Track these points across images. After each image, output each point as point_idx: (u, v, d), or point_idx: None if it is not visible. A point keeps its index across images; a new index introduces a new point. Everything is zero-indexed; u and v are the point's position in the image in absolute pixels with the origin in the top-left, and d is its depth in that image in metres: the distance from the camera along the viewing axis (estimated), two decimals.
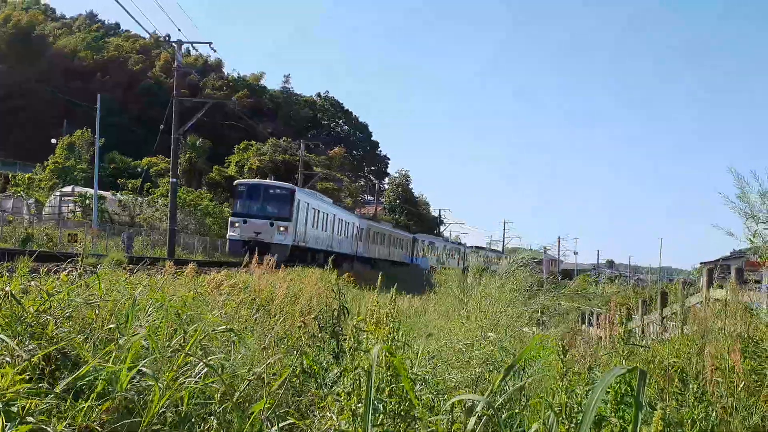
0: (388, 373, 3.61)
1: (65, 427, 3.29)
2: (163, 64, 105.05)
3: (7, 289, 4.13)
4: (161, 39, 38.56)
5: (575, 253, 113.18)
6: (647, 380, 4.87)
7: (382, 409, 3.53)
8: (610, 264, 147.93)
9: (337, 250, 45.82)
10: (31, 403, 3.27)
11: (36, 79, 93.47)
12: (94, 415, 3.47)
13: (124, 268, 8.43)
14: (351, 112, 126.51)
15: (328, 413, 3.96)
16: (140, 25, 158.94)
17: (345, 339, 4.58)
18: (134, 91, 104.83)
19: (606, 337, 11.52)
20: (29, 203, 50.99)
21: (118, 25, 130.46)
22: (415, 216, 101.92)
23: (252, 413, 3.91)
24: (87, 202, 49.51)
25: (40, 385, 3.52)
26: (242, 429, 3.73)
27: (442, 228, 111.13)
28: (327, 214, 44.90)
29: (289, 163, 71.82)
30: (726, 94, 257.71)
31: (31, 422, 3.19)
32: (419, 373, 4.65)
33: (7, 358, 3.60)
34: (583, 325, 19.01)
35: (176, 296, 6.62)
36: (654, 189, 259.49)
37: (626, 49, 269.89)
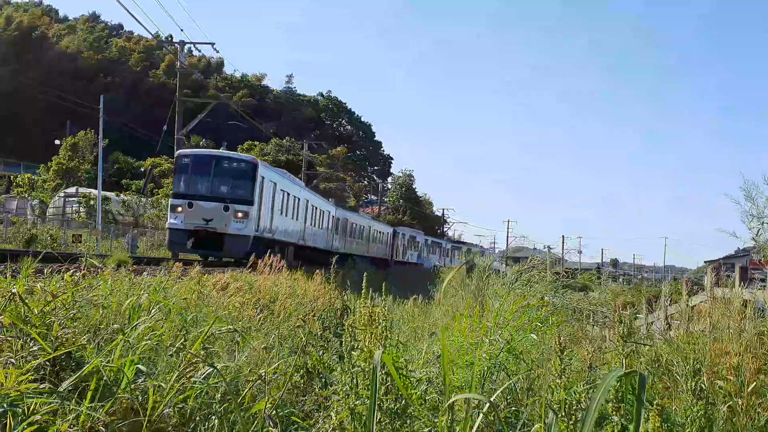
0: (383, 371, 3.62)
1: (70, 427, 3.30)
2: (166, 65, 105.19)
3: (13, 290, 4.14)
4: (164, 40, 38.60)
5: (579, 252, 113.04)
6: (648, 380, 4.87)
7: (377, 406, 3.53)
8: (615, 263, 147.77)
9: (311, 244, 39.33)
10: (36, 403, 3.29)
11: (39, 80, 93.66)
12: (98, 415, 3.48)
13: (129, 269, 8.44)
14: (354, 112, 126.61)
15: (331, 413, 3.97)
16: (143, 26, 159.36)
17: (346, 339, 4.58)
18: (137, 92, 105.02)
19: (610, 336, 11.52)
20: (33, 204, 51.10)
21: (120, 26, 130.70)
22: (419, 215, 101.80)
23: (254, 413, 3.92)
24: (91, 202, 49.59)
25: (45, 385, 3.53)
26: (246, 430, 3.73)
27: (445, 227, 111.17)
28: (298, 199, 36.08)
29: (292, 163, 71.82)
30: (733, 94, 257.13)
31: (36, 422, 3.20)
32: (423, 374, 4.64)
33: (12, 359, 3.61)
34: (588, 325, 18.97)
35: (180, 297, 6.63)
36: (659, 188, 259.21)
37: (627, 47, 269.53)
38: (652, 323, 16.82)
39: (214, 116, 52.09)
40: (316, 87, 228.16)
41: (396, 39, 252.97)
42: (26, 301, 4.12)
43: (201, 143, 75.88)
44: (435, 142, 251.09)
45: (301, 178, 59.86)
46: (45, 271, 5.96)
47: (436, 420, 3.82)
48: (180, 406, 3.91)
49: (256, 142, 78.13)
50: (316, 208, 41.21)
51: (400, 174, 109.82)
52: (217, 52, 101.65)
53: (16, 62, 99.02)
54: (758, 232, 7.23)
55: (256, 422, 3.86)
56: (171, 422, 3.82)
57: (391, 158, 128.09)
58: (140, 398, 3.80)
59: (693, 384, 4.23)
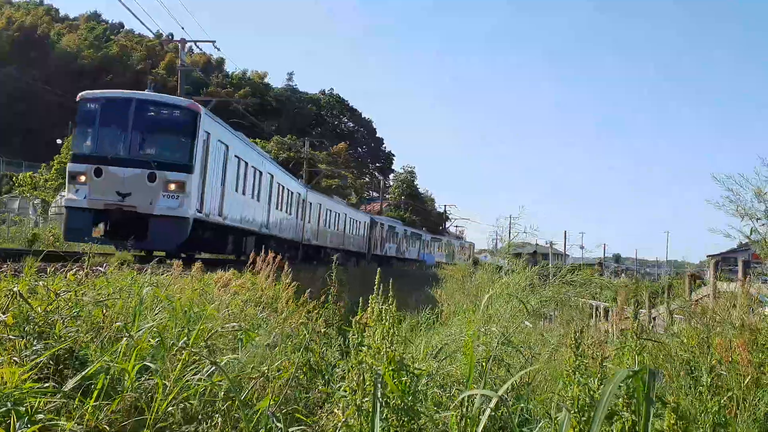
0: (390, 368, 3.62)
1: (74, 425, 3.30)
2: (167, 63, 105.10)
3: (15, 289, 4.14)
4: (165, 38, 38.59)
5: (581, 247, 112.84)
6: (663, 378, 4.86)
7: (384, 403, 3.53)
8: (617, 258, 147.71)
9: (277, 234, 30.95)
10: (39, 402, 3.29)
11: (40, 79, 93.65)
12: (101, 414, 3.49)
13: (132, 267, 8.45)
14: (355, 109, 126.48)
15: (335, 410, 3.97)
16: (144, 25, 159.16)
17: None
18: (138, 90, 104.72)
19: (614, 331, 11.52)
20: (35, 203, 51.14)
21: (122, 24, 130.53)
22: (421, 212, 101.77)
23: (258, 410, 3.92)
24: None
25: (48, 384, 3.53)
26: (249, 427, 3.73)
27: (447, 224, 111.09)
28: (260, 173, 27.23)
29: (294, 161, 71.79)
30: (735, 90, 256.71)
31: (40, 421, 3.21)
32: (423, 368, 4.64)
33: (15, 358, 3.61)
34: (591, 320, 18.98)
35: (183, 296, 6.64)
36: (660, 182, 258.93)
37: (628, 47, 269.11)
38: (654, 318, 16.85)
39: (216, 114, 51.95)
40: (318, 84, 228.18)
41: (397, 37, 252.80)
42: (29, 300, 4.13)
43: None
44: (437, 138, 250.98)
45: (302, 176, 59.59)
46: (48, 270, 5.96)
47: (441, 415, 3.82)
48: (183, 405, 3.91)
49: (258, 140, 78.13)
50: (284, 187, 32.46)
51: (402, 171, 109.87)
52: (218, 50, 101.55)
53: (18, 62, 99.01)
54: (751, 231, 7.14)
55: (259, 419, 3.87)
56: (175, 420, 3.82)
57: (393, 155, 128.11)
58: (144, 396, 3.81)
59: (708, 380, 4.22)
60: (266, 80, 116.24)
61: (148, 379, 3.98)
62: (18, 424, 3.11)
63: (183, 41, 37.00)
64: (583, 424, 3.20)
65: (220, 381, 4.09)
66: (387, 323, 3.75)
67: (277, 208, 31.00)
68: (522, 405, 4.44)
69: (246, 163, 25.19)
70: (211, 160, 20.58)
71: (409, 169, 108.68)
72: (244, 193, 25.05)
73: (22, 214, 44.85)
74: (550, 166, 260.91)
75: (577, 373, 3.35)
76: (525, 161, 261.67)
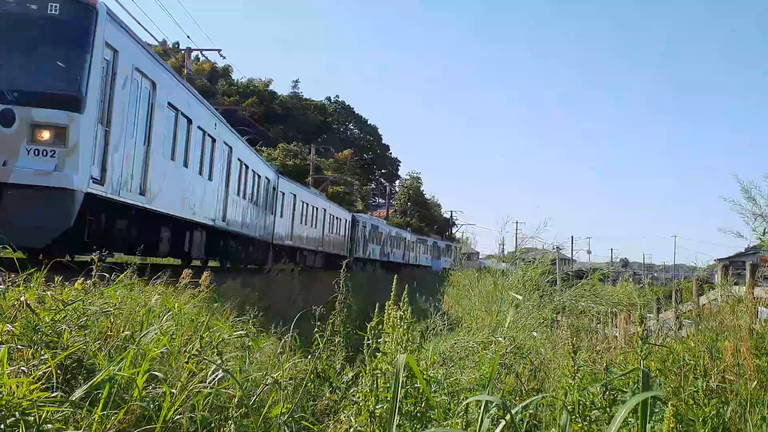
0: (404, 374, 3.61)
1: None
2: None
3: (23, 299, 4.16)
4: (171, 46, 38.78)
5: (588, 252, 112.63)
6: (664, 379, 4.85)
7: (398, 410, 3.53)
8: (624, 263, 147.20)
9: (237, 230, 23.31)
10: (47, 411, 3.30)
11: None
12: (109, 423, 3.49)
13: (139, 276, 8.45)
14: (361, 116, 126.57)
15: (343, 416, 3.96)
16: (149, 33, 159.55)
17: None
18: None
19: (621, 337, 11.48)
20: None
21: None
22: (427, 218, 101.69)
23: (269, 418, 3.92)
24: None
25: (56, 393, 3.54)
26: None
27: (454, 230, 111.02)
28: (211, 139, 19.64)
29: (299, 168, 71.89)
30: (742, 94, 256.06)
31: (48, 430, 3.21)
32: (432, 375, 4.64)
33: (23, 368, 3.62)
34: (598, 324, 18.89)
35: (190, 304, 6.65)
36: (668, 186, 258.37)
37: (631, 47, 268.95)
38: (662, 322, 16.77)
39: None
40: (323, 91, 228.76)
41: (401, 38, 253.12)
42: (36, 310, 4.14)
43: None
44: (443, 144, 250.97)
45: (309, 183, 59.52)
46: (55, 279, 5.97)
47: (452, 421, 3.82)
48: (191, 415, 3.91)
49: (264, 147, 78.32)
50: (247, 167, 24.23)
51: (408, 177, 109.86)
52: (224, 58, 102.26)
53: None
54: (764, 231, 7.17)
55: (269, 428, 3.86)
56: (184, 429, 3.83)
57: (399, 161, 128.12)
58: (152, 405, 3.81)
59: (704, 384, 4.21)
60: (271, 87, 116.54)
61: (156, 388, 3.99)
62: None
63: (189, 50, 37.19)
64: (587, 428, 3.19)
65: (228, 387, 4.09)
66: (402, 330, 3.75)
67: (238, 194, 22.82)
68: (531, 411, 4.43)
69: (189, 120, 16.90)
70: (120, 98, 12.61)
71: (415, 175, 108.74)
72: (186, 165, 16.62)
73: None
74: (555, 169, 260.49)
75: (575, 378, 3.35)
76: (532, 165, 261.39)
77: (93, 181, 11.86)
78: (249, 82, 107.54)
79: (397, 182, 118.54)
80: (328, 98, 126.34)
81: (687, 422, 4.26)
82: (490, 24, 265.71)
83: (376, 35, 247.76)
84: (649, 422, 2.57)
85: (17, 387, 3.27)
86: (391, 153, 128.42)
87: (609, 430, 2.35)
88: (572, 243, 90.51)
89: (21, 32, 11.40)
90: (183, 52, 37.73)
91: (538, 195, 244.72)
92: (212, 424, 3.95)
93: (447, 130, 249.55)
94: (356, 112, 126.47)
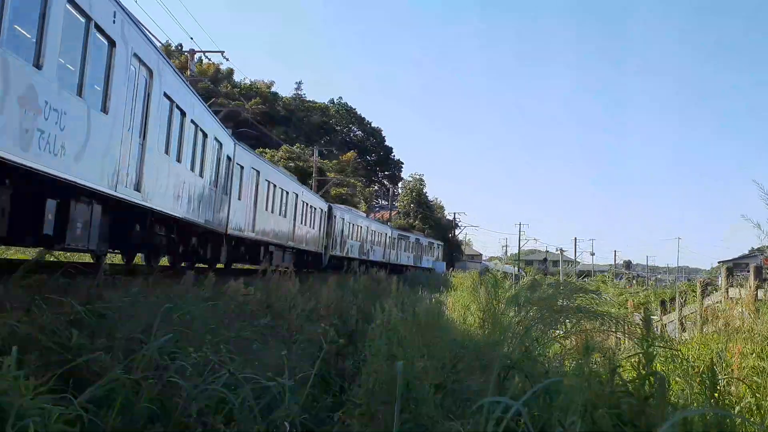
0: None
1: None
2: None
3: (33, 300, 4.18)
4: (174, 48, 38.88)
5: (592, 254, 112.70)
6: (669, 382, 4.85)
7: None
8: (628, 264, 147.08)
9: (163, 209, 15.70)
10: (56, 413, 3.31)
11: None
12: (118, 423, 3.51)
13: (146, 278, 8.48)
14: (364, 118, 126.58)
15: (347, 420, 3.98)
16: (152, 35, 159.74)
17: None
18: None
19: (626, 340, 11.48)
20: None
21: None
22: (430, 220, 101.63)
23: (274, 421, 3.93)
24: None
25: (65, 395, 3.55)
26: None
27: (456, 232, 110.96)
28: (134, 64, 13.24)
29: (302, 170, 71.95)
30: (747, 94, 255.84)
31: None
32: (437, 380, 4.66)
33: (32, 370, 3.64)
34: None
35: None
36: (672, 188, 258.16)
37: (636, 48, 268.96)
38: (666, 325, 16.78)
39: (225, 123, 52.11)
40: (326, 93, 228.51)
41: (404, 41, 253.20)
42: (46, 312, 4.16)
43: None
44: (446, 146, 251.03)
45: (311, 185, 59.38)
46: (63, 282, 5.99)
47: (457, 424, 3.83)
48: (200, 414, 3.92)
49: (267, 149, 78.39)
50: (191, 122, 17.76)
51: (411, 179, 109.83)
52: (227, 60, 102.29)
53: None
54: None
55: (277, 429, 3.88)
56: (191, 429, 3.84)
57: (402, 163, 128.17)
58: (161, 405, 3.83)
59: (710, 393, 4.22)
60: (274, 89, 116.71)
61: (165, 389, 4.00)
62: None
63: (192, 51, 37.29)
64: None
65: (236, 389, 4.10)
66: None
67: (167, 152, 15.61)
68: (536, 413, 4.43)
69: (112, 44, 11.81)
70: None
71: (418, 176, 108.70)
72: (80, 93, 10.78)
73: None
74: (560, 172, 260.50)
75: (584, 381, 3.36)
76: (535, 167, 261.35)
77: None
78: (252, 84, 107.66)
79: (400, 184, 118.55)
80: (331, 100, 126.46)
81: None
82: (493, 24, 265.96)
83: (379, 39, 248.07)
84: None
85: (25, 389, 3.29)
86: (394, 155, 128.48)
87: None
88: (575, 245, 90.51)
89: None
90: (186, 53, 37.77)
91: (542, 197, 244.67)
92: (219, 426, 3.96)
93: (450, 132, 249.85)
94: (359, 114, 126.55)
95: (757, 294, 10.40)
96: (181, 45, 47.62)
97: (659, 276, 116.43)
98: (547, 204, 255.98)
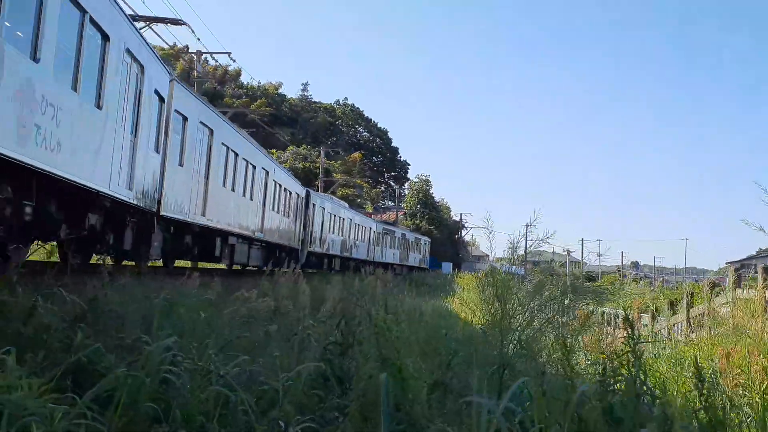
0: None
1: None
2: (179, 74, 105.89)
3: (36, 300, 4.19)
4: (181, 48, 39.02)
5: (599, 255, 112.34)
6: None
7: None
8: (635, 265, 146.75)
9: (65, 175, 9.93)
10: (59, 412, 3.32)
11: None
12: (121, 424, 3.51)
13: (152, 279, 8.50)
14: (370, 119, 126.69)
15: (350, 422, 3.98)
16: (159, 36, 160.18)
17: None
18: None
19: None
20: None
21: None
22: (436, 221, 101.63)
23: (274, 420, 3.93)
24: None
25: (68, 395, 3.56)
26: None
27: (463, 232, 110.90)
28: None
29: (309, 171, 72.06)
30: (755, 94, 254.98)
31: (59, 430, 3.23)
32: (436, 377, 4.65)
33: (36, 369, 3.65)
34: (607, 327, 18.87)
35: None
36: (679, 189, 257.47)
37: (641, 48, 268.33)
38: (674, 325, 16.72)
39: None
40: (333, 94, 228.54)
41: (412, 42, 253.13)
42: (50, 311, 4.18)
43: None
44: (452, 147, 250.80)
45: (318, 186, 59.29)
46: (69, 282, 6.01)
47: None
48: (203, 413, 3.93)
49: (273, 150, 78.59)
50: (102, 35, 11.46)
51: (417, 180, 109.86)
52: (234, 61, 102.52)
53: None
54: None
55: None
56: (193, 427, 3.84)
57: (408, 164, 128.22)
58: (162, 407, 3.83)
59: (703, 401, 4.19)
60: (281, 90, 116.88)
61: (167, 391, 4.01)
62: None
63: (199, 53, 37.37)
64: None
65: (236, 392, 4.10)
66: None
67: (35, 58, 9.04)
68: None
69: None
70: None
71: (424, 177, 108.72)
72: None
73: None
74: (567, 172, 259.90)
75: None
76: (542, 168, 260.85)
77: None
78: (259, 85, 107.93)
79: (406, 185, 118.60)
80: (337, 101, 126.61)
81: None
82: (499, 26, 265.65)
83: (385, 40, 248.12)
84: None
85: (29, 388, 3.30)
86: (400, 156, 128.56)
87: None
88: (582, 246, 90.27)
89: None
90: (193, 54, 37.90)
91: (548, 197, 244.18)
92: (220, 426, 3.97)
93: (457, 133, 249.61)
94: (365, 115, 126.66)
95: (766, 294, 10.34)
96: (187, 46, 47.63)
97: (666, 277, 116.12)
98: (554, 204, 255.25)
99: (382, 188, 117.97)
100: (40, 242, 12.41)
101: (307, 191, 36.28)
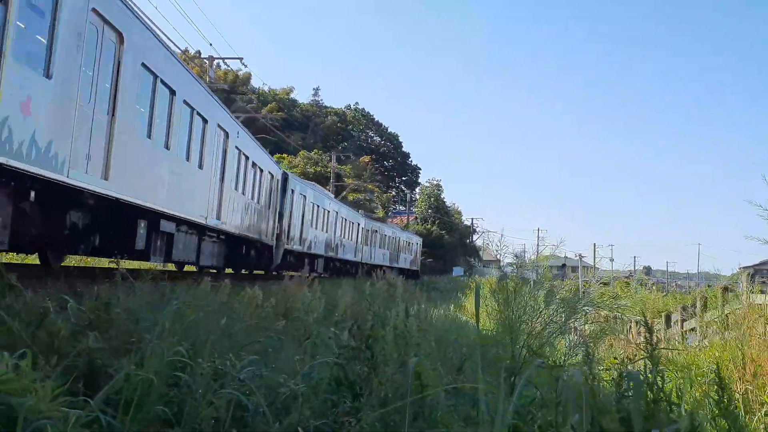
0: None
1: None
2: None
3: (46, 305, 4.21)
4: (193, 54, 39.23)
5: (611, 260, 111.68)
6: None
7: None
8: (647, 270, 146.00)
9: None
10: (72, 415, 3.33)
11: None
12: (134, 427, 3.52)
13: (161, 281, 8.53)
14: (381, 123, 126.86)
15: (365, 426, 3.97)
16: (171, 41, 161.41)
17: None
18: None
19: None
20: None
21: None
22: (448, 225, 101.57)
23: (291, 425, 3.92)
24: None
25: (80, 398, 3.57)
26: None
27: (474, 237, 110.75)
28: None
29: (320, 175, 72.18)
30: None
31: None
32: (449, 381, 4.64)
33: (48, 374, 3.66)
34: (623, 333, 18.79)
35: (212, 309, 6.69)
36: (692, 193, 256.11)
37: (652, 49, 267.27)
38: (687, 331, 16.62)
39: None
40: (343, 99, 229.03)
41: (423, 46, 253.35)
42: (60, 316, 4.19)
43: None
44: (464, 152, 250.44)
45: (329, 190, 59.42)
46: (78, 285, 6.04)
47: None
48: (213, 418, 3.93)
49: (285, 155, 78.78)
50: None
51: (428, 184, 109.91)
52: (246, 66, 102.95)
53: None
54: None
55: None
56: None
57: (419, 168, 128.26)
58: (174, 409, 3.84)
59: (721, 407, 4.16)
60: (292, 95, 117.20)
61: (176, 393, 4.01)
62: None
63: (211, 58, 37.61)
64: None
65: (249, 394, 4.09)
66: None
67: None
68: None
69: None
70: None
71: (435, 182, 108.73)
72: None
73: None
74: (577, 177, 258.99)
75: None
76: (554, 173, 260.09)
77: None
78: (270, 90, 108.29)
79: (417, 189, 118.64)
80: (348, 105, 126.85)
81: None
82: (507, 28, 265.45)
83: (396, 43, 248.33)
84: None
85: (42, 391, 3.31)
86: (411, 161, 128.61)
87: None
88: (594, 251, 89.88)
89: None
90: (205, 60, 38.10)
91: (560, 203, 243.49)
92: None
93: (469, 138, 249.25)
94: (376, 119, 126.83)
95: None
96: (200, 51, 47.81)
97: (679, 282, 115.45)
98: (566, 209, 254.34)
99: (393, 193, 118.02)
100: None
101: (285, 173, 29.24)
